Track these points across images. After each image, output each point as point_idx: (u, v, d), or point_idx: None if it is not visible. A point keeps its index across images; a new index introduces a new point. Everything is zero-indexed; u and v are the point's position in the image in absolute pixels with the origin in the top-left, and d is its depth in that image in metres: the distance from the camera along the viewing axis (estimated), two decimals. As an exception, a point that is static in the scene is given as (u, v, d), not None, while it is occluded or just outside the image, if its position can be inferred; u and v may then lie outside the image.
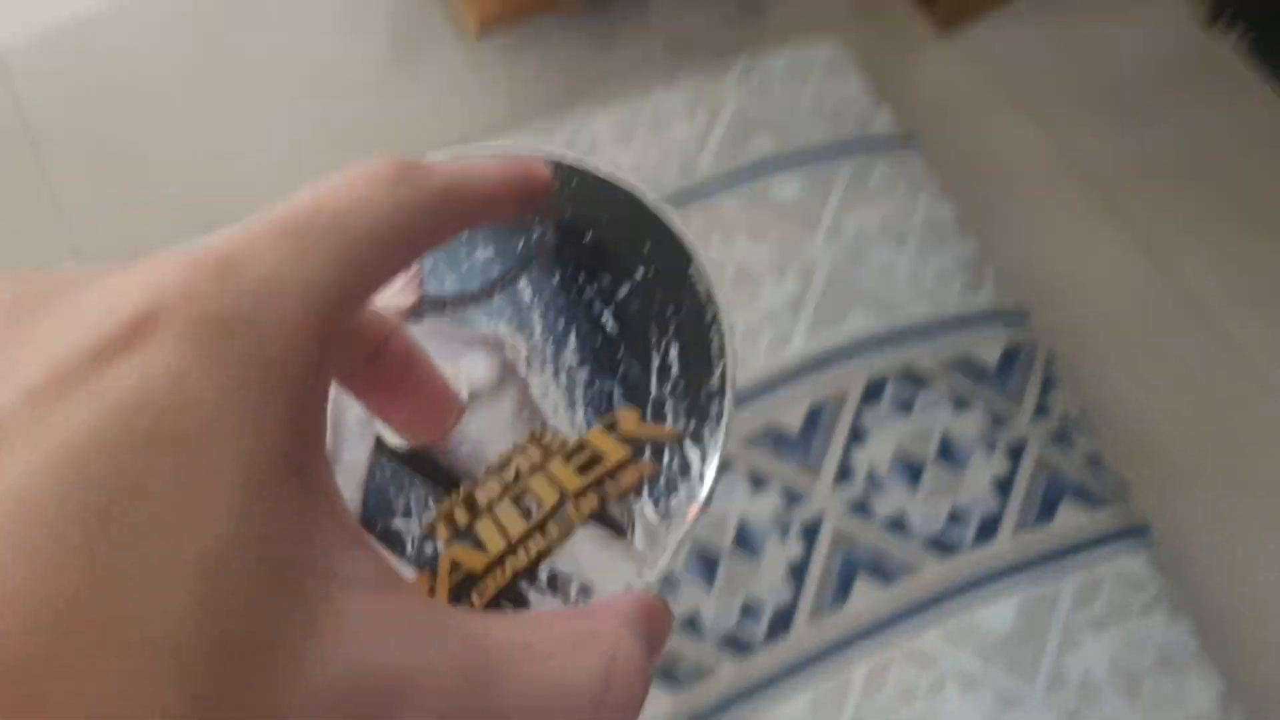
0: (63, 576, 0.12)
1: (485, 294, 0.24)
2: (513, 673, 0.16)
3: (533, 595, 0.21)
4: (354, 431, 0.23)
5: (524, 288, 0.24)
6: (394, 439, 0.23)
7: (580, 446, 0.22)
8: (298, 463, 0.14)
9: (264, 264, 0.15)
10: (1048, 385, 0.84)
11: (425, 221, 0.17)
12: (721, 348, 0.22)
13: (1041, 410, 0.83)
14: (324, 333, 0.15)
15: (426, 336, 0.24)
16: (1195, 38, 1.39)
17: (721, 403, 0.22)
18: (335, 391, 0.20)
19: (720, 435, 0.21)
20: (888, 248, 0.87)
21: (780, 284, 0.84)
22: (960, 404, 0.81)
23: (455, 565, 0.21)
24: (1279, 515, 1.12)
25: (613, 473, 0.22)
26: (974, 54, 1.38)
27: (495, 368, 0.24)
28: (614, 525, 0.21)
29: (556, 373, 0.23)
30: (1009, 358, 0.84)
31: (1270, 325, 1.22)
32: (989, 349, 0.84)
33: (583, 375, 0.23)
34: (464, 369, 0.24)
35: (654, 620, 0.18)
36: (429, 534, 0.22)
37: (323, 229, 0.16)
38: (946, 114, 1.32)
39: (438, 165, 0.18)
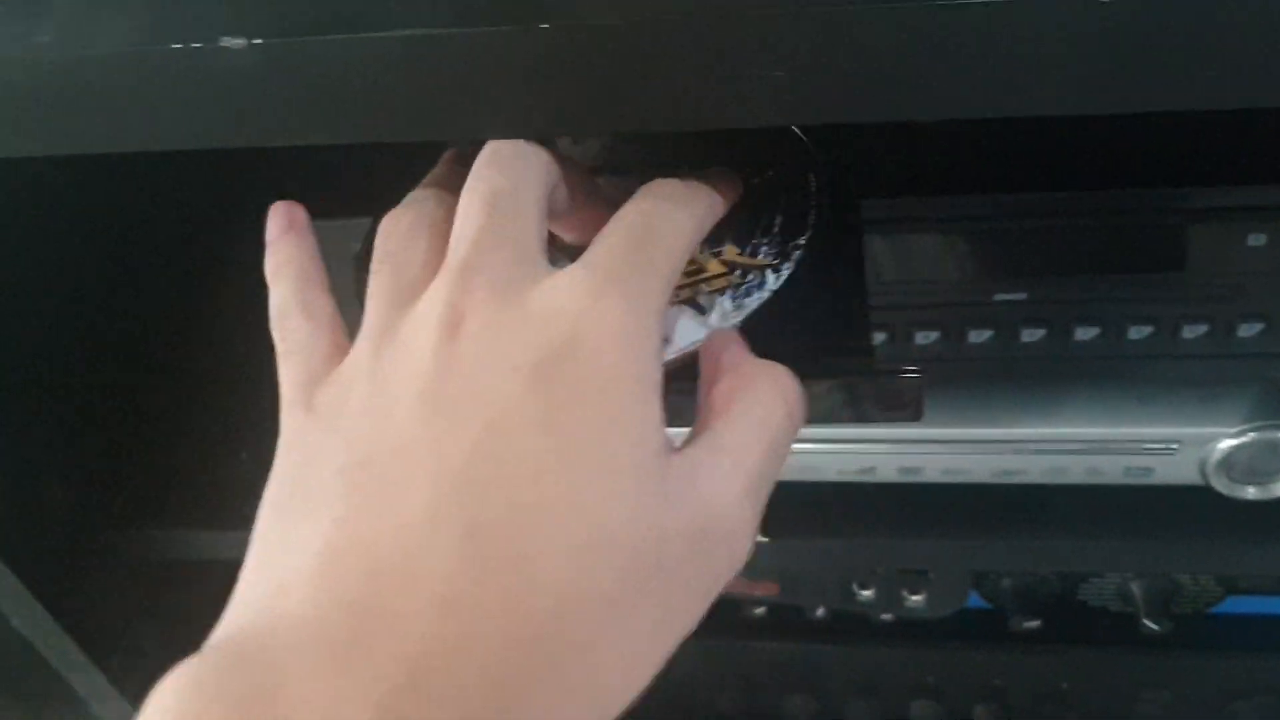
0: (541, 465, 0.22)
1: None
2: (732, 442, 0.24)
3: None
4: None
5: None
6: None
7: (691, 263, 0.32)
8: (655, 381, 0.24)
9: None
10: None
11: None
12: (813, 223, 0.33)
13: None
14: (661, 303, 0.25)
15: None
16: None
17: (799, 252, 0.32)
18: None
19: (790, 268, 0.32)
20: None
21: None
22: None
23: None
24: None
25: (709, 279, 0.33)
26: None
27: None
28: (699, 308, 0.32)
29: None
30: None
31: None
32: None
33: None
34: None
35: None
36: None
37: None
38: None
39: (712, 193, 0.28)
